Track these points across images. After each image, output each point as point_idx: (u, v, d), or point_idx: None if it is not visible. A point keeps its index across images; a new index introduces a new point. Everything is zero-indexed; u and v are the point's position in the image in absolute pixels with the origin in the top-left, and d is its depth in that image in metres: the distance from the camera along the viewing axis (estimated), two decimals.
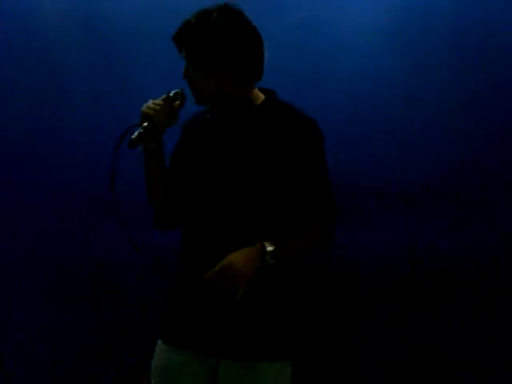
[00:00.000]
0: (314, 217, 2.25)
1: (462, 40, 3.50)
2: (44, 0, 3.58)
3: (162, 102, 2.23)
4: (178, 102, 2.27)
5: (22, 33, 3.57)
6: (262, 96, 2.34)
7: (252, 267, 2.13)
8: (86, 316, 3.57)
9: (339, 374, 3.54)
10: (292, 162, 2.24)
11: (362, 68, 3.52)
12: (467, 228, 3.49)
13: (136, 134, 2.20)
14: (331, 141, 3.52)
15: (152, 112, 2.22)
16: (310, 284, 2.26)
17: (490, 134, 3.50)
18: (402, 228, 3.51)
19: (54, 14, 3.59)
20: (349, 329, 3.53)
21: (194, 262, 2.28)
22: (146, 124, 2.21)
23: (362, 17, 3.51)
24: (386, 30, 3.51)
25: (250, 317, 2.22)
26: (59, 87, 3.58)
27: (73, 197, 3.59)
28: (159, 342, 2.34)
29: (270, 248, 2.14)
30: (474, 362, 3.48)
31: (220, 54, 2.24)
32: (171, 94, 2.26)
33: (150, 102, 2.24)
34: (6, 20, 3.58)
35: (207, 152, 2.29)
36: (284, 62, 3.50)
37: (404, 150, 3.52)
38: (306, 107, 3.51)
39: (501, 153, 3.49)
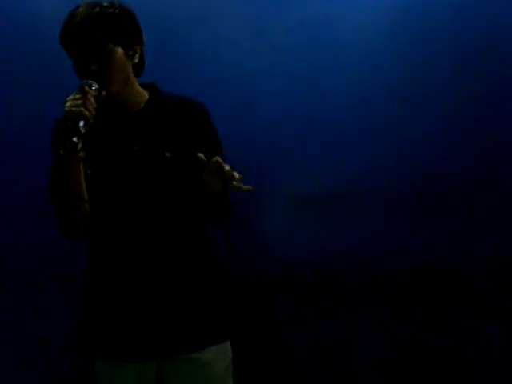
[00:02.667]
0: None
1: (462, 40, 3.50)
2: (44, 0, 3.58)
3: (89, 94, 2.13)
4: (104, 93, 2.16)
5: (22, 33, 3.57)
6: (144, 92, 2.33)
7: None
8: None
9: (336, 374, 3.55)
10: (191, 149, 2.26)
11: (362, 68, 3.52)
12: (467, 228, 3.49)
13: (76, 138, 2.06)
14: (331, 141, 3.54)
15: (82, 109, 2.10)
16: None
17: (491, 134, 3.50)
18: (401, 228, 3.51)
19: (53, 14, 3.58)
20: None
21: (112, 270, 2.25)
22: (82, 124, 2.07)
23: (361, 17, 3.51)
24: (386, 30, 3.51)
25: (177, 311, 2.25)
26: (59, 87, 3.57)
27: None
28: (98, 363, 2.31)
29: None
30: (473, 362, 3.48)
31: (134, 34, 2.27)
32: (93, 87, 2.14)
33: (72, 99, 2.12)
34: (6, 20, 3.58)
35: (110, 155, 2.26)
36: (284, 62, 3.50)
37: (404, 150, 3.52)
38: (306, 107, 3.54)
39: (501, 153, 3.49)
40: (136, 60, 2.28)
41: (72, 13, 2.23)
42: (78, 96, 2.13)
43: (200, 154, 2.13)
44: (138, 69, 2.33)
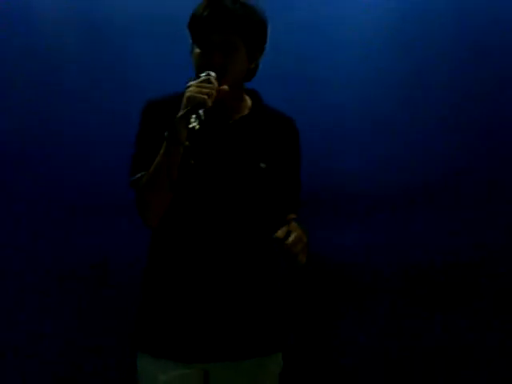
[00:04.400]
0: (289, 209, 2.28)
1: (462, 40, 3.50)
2: (44, 0, 3.58)
3: (214, 83, 2.10)
4: (218, 85, 2.12)
5: (22, 33, 3.57)
6: (248, 98, 2.34)
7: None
8: (87, 316, 3.57)
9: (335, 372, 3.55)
10: (282, 162, 2.30)
11: (362, 68, 3.52)
12: (467, 228, 3.49)
13: (197, 123, 2.00)
14: (331, 141, 3.54)
15: (206, 97, 2.06)
16: (299, 281, 2.30)
17: (491, 134, 3.50)
18: (401, 228, 3.51)
19: (53, 13, 3.58)
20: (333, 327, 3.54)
21: (184, 265, 2.24)
22: (201, 112, 2.02)
23: (362, 17, 3.51)
24: (386, 31, 3.51)
25: (234, 317, 2.23)
26: (59, 87, 3.57)
27: (72, 196, 3.59)
28: (146, 356, 2.29)
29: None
30: (473, 362, 3.48)
31: (260, 40, 2.28)
32: (211, 75, 2.12)
33: (197, 86, 2.08)
34: (5, 20, 3.58)
35: (206, 157, 2.25)
36: (284, 62, 3.50)
37: (404, 150, 3.52)
38: (306, 108, 3.53)
39: (501, 153, 3.49)
40: (252, 66, 2.29)
41: (209, 1, 2.21)
42: (204, 84, 2.09)
43: (291, 220, 2.09)
44: (249, 75, 2.33)
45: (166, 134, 2.07)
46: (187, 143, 2.06)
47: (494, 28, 3.48)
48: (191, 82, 2.11)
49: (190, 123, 2.01)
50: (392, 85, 3.52)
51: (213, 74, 2.14)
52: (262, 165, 2.25)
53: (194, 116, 2.01)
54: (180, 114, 2.04)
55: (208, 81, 2.10)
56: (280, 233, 2.04)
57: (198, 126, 2.00)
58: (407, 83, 3.51)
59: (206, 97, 2.06)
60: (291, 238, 2.04)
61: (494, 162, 3.50)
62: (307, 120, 3.52)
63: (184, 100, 2.07)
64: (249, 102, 2.33)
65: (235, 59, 2.19)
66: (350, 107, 3.52)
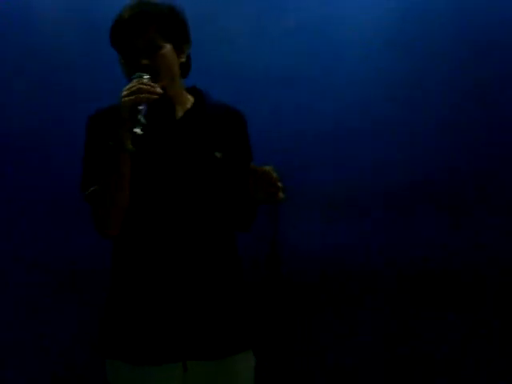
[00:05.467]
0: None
1: (462, 40, 3.50)
2: (44, 0, 3.58)
3: (142, 82, 2.11)
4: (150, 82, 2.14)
5: (22, 33, 3.57)
6: (189, 95, 2.35)
7: None
8: (87, 315, 3.57)
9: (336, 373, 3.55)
10: (236, 151, 2.31)
11: (362, 68, 3.52)
12: (467, 228, 3.49)
13: (139, 128, 2.02)
14: (330, 141, 3.55)
15: (135, 96, 2.08)
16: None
17: (491, 134, 3.50)
18: (401, 228, 3.51)
19: (53, 13, 3.58)
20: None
21: (146, 264, 2.23)
22: (141, 116, 2.04)
23: (362, 17, 3.51)
24: (386, 31, 3.51)
25: (209, 315, 2.23)
26: (59, 87, 3.58)
27: (72, 196, 3.58)
28: (117, 362, 2.27)
29: None
30: (473, 362, 3.49)
31: (183, 33, 2.29)
32: (145, 77, 2.13)
33: (125, 90, 2.10)
34: (5, 20, 3.58)
35: (158, 154, 2.24)
36: (284, 62, 3.51)
37: (404, 150, 3.52)
38: (306, 107, 3.54)
39: (501, 153, 3.49)
40: (183, 59, 2.29)
41: (123, 9, 2.25)
42: (130, 85, 2.12)
43: (252, 165, 2.16)
44: (185, 70, 2.33)
45: (110, 143, 2.11)
46: (133, 148, 2.08)
47: (494, 28, 3.48)
48: (124, 88, 2.14)
49: (131, 129, 2.04)
50: (392, 85, 3.52)
51: (146, 76, 2.16)
52: (218, 154, 2.26)
53: (135, 121, 2.03)
54: (119, 121, 2.08)
55: (135, 80, 2.14)
56: (253, 166, 2.13)
57: (140, 131, 2.02)
58: (407, 83, 3.52)
59: (133, 96, 2.08)
60: (267, 167, 2.13)
61: (494, 162, 3.50)
62: (307, 120, 3.54)
63: (121, 110, 2.11)
64: (191, 98, 2.35)
65: (163, 58, 2.21)
66: (350, 107, 3.52)
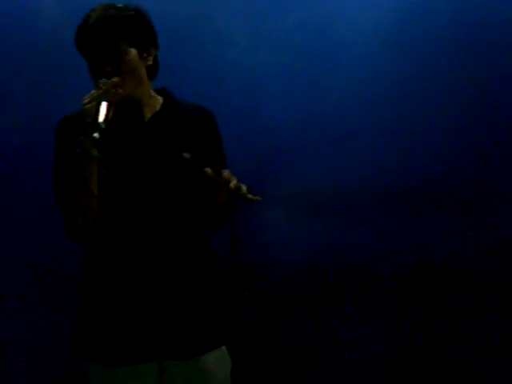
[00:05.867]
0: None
1: (461, 40, 3.50)
2: (44, 0, 3.58)
3: (103, 88, 2.14)
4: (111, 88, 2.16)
5: (22, 33, 3.57)
6: (157, 96, 2.35)
7: None
8: None
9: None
10: (205, 151, 2.31)
11: (362, 68, 3.52)
12: (467, 228, 3.49)
13: (97, 133, 2.03)
14: (331, 141, 3.54)
15: (95, 103, 2.12)
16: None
17: (491, 134, 3.50)
18: (401, 228, 3.51)
19: (54, 13, 3.58)
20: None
21: (114, 270, 2.23)
22: (103, 107, 2.08)
23: (362, 17, 3.51)
24: (386, 30, 3.51)
25: (180, 315, 2.24)
26: (59, 87, 3.57)
27: None
28: (93, 364, 2.27)
29: None
30: (474, 362, 3.49)
31: (149, 36, 2.30)
32: (107, 82, 2.16)
33: (87, 97, 2.13)
34: (5, 20, 3.58)
35: (126, 157, 2.25)
36: (284, 62, 3.50)
37: (404, 149, 3.52)
38: (306, 107, 3.54)
39: (501, 153, 3.49)
40: (150, 62, 2.30)
41: (87, 15, 2.25)
42: (92, 92, 2.15)
43: (207, 169, 2.15)
44: (152, 72, 2.34)
45: (76, 150, 2.13)
46: (98, 155, 2.10)
47: (494, 28, 3.48)
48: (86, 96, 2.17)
49: (91, 135, 2.05)
50: (392, 85, 3.52)
51: (104, 80, 2.18)
52: (186, 155, 2.26)
53: (95, 126, 2.05)
54: (82, 128, 2.11)
55: (96, 87, 2.16)
56: (209, 169, 2.14)
57: (98, 136, 2.03)
58: (407, 83, 3.52)
59: (94, 103, 2.11)
60: (225, 172, 2.14)
61: (494, 162, 3.50)
62: (307, 119, 3.54)
63: (83, 116, 2.14)
64: (160, 99, 2.35)
65: (126, 64, 2.21)
66: (350, 107, 3.52)
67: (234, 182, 2.14)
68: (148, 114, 2.30)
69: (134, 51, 2.23)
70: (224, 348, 2.35)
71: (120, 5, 2.27)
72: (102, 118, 2.07)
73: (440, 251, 3.50)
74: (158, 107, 2.33)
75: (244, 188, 2.15)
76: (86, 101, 2.14)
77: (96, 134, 2.03)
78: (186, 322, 2.25)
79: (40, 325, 3.58)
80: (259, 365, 3.54)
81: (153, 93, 2.35)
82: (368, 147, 3.52)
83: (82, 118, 2.12)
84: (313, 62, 3.53)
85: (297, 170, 3.54)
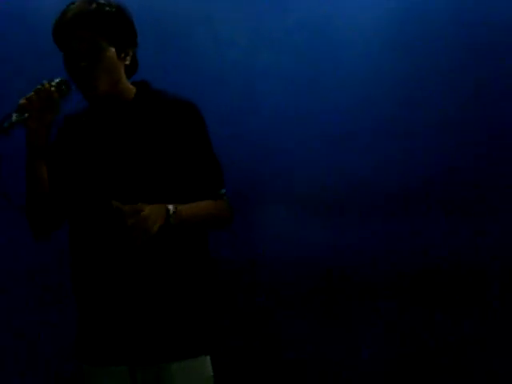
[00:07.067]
0: (204, 194, 2.23)
1: (461, 40, 3.50)
2: (44, 0, 3.58)
3: (39, 90, 2.16)
4: (55, 92, 2.17)
5: (22, 33, 3.57)
6: (133, 88, 2.29)
7: (157, 217, 2.09)
8: None
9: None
10: (176, 146, 2.21)
11: (362, 68, 3.52)
12: (467, 228, 3.49)
13: (7, 123, 2.14)
14: (331, 141, 3.54)
15: (25, 101, 2.15)
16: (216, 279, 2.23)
17: (491, 134, 3.50)
18: (401, 228, 3.51)
19: (54, 13, 3.57)
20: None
21: (92, 270, 2.20)
22: (17, 114, 2.14)
23: (362, 17, 3.51)
24: (386, 30, 3.51)
25: (154, 319, 2.18)
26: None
27: None
28: (81, 364, 2.29)
29: (171, 208, 2.12)
30: (474, 363, 3.49)
31: (129, 36, 2.23)
32: (53, 83, 2.17)
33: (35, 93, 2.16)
34: (5, 20, 3.58)
35: (94, 148, 2.23)
36: (284, 62, 3.50)
37: (404, 150, 3.52)
38: (306, 107, 3.54)
39: (501, 153, 3.49)
40: (127, 62, 2.24)
41: (66, 8, 2.20)
42: (35, 90, 2.17)
43: (116, 203, 2.05)
44: (131, 70, 2.29)
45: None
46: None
47: (494, 28, 3.48)
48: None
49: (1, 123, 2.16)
50: (392, 85, 3.52)
51: (58, 79, 2.19)
52: (154, 148, 2.18)
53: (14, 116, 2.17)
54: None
55: (41, 87, 2.18)
56: (117, 202, 2.05)
57: (6, 125, 2.17)
58: (407, 83, 3.52)
59: (25, 101, 2.18)
60: (129, 209, 2.03)
61: (494, 162, 3.50)
62: (307, 119, 3.54)
63: None
64: (133, 88, 2.28)
65: (102, 61, 2.16)
66: (350, 107, 3.52)
67: (131, 220, 2.03)
68: (119, 107, 2.25)
69: (112, 50, 2.18)
70: (203, 358, 2.24)
71: (102, 1, 2.20)
72: (12, 118, 2.16)
73: (440, 251, 3.50)
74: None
75: (143, 230, 2.05)
76: (23, 99, 2.18)
77: (6, 124, 2.17)
78: (158, 329, 2.18)
79: (40, 324, 3.59)
80: (256, 365, 3.54)
81: (131, 87, 2.28)
82: (368, 147, 3.52)
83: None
84: (313, 62, 3.53)
85: (296, 169, 3.54)
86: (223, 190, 2.28)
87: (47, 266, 3.57)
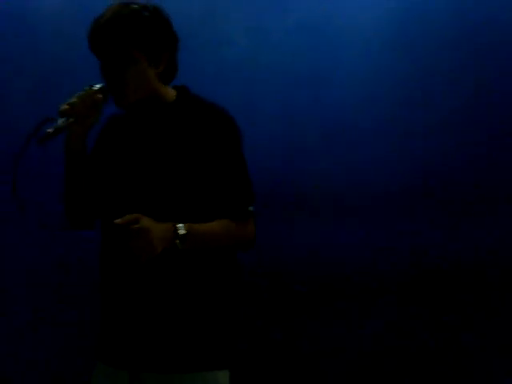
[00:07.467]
0: (229, 213, 2.16)
1: (461, 40, 3.51)
2: (44, 0, 3.59)
3: (82, 95, 2.12)
4: (99, 96, 2.13)
5: (22, 33, 3.58)
6: (173, 92, 2.24)
7: (161, 238, 2.03)
8: (88, 316, 3.58)
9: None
10: (210, 157, 2.15)
11: (362, 68, 3.52)
12: (467, 228, 3.49)
13: (52, 128, 2.09)
14: (331, 140, 3.55)
15: (67, 107, 2.10)
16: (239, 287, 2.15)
17: (491, 134, 3.50)
18: (401, 228, 3.52)
19: (54, 13, 3.59)
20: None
21: (116, 271, 2.18)
22: (63, 119, 2.10)
23: (362, 17, 3.52)
24: (386, 31, 3.52)
25: (171, 327, 2.13)
26: (59, 87, 3.58)
27: None
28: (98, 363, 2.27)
29: (181, 232, 2.05)
30: (474, 363, 3.49)
31: (163, 42, 2.18)
32: (94, 88, 2.14)
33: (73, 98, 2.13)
34: (5, 20, 3.58)
35: (128, 151, 2.21)
36: (284, 62, 3.51)
37: (404, 149, 3.52)
38: (306, 107, 3.54)
39: (501, 153, 3.50)
40: (160, 69, 2.18)
41: (102, 12, 2.14)
42: (77, 95, 2.13)
43: (117, 221, 2.02)
44: (169, 74, 2.23)
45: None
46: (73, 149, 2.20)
47: (494, 28, 3.48)
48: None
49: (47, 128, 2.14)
50: (392, 85, 3.52)
51: (98, 85, 2.15)
52: (183, 155, 2.14)
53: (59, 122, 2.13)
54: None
55: (87, 92, 2.14)
56: (120, 220, 2.01)
57: (50, 130, 2.11)
58: (407, 83, 3.52)
59: (67, 107, 2.12)
60: (133, 226, 1.99)
61: (494, 162, 3.50)
62: (307, 120, 3.54)
63: None
64: (173, 92, 2.23)
65: (130, 71, 2.12)
66: (350, 106, 3.53)
67: (132, 242, 2.00)
68: (151, 116, 2.21)
69: (143, 58, 2.13)
70: (218, 373, 2.15)
71: (137, 5, 2.13)
72: (61, 120, 2.12)
73: (440, 251, 3.51)
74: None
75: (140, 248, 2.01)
76: (66, 103, 2.13)
77: (50, 130, 2.11)
78: (165, 338, 2.13)
79: (40, 324, 3.59)
80: (256, 366, 3.54)
81: (169, 90, 2.23)
82: (368, 147, 3.52)
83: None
84: (313, 62, 3.53)
85: (296, 169, 3.54)
86: (251, 208, 2.20)
87: (47, 266, 3.58)
